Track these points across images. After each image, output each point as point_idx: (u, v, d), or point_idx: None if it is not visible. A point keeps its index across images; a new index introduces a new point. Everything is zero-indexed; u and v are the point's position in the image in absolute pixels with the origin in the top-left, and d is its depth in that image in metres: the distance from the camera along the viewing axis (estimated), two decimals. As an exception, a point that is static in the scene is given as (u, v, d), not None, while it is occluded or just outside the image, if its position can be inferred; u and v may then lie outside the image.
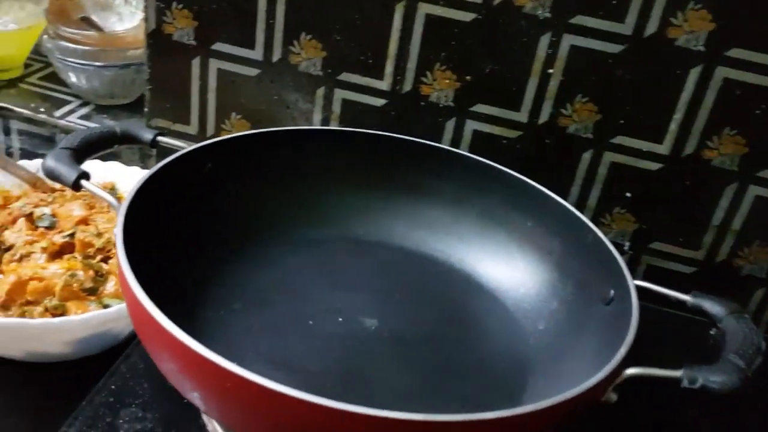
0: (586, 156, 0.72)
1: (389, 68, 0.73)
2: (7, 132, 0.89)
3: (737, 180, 0.69)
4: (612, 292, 0.54)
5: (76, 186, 0.52)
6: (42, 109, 0.88)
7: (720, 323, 0.49)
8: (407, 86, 0.73)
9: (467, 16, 0.69)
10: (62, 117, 0.87)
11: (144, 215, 0.52)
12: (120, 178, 0.77)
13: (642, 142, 0.70)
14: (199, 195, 0.59)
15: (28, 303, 0.64)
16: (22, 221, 0.71)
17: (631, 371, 0.45)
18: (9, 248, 0.69)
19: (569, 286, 0.58)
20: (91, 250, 0.69)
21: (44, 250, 0.68)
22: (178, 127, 0.82)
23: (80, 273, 0.65)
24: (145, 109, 0.82)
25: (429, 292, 0.61)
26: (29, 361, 0.64)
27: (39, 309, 0.63)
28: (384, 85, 0.74)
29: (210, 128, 0.81)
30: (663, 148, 0.70)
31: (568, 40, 0.67)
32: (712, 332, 0.69)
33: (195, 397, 0.42)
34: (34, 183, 0.77)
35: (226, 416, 0.43)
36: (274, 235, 0.62)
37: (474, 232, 0.64)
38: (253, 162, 0.62)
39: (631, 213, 0.73)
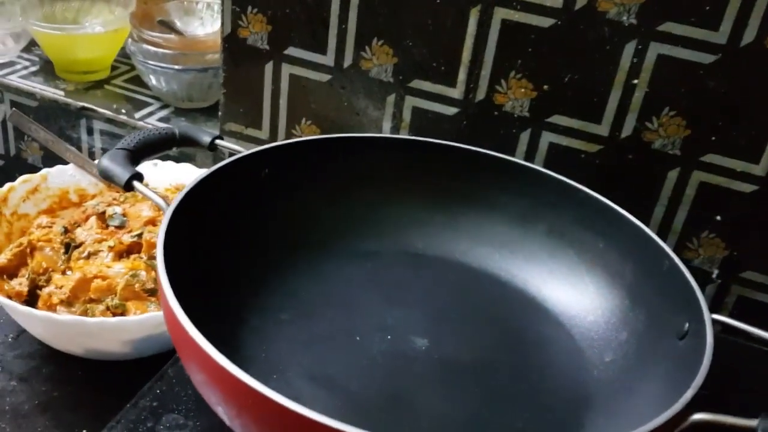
0: (673, 174, 0.66)
1: (462, 75, 0.70)
2: (90, 132, 0.91)
3: None
4: (687, 325, 0.48)
5: (128, 187, 0.51)
6: (123, 111, 0.90)
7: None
8: (480, 95, 0.70)
9: (545, 22, 0.65)
10: (142, 118, 0.89)
11: (194, 218, 0.51)
12: (190, 180, 0.78)
13: (736, 162, 0.64)
14: (253, 200, 0.58)
15: (91, 301, 0.65)
16: (93, 219, 0.72)
17: (698, 416, 0.40)
18: (79, 245, 0.70)
19: (641, 315, 0.53)
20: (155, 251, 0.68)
21: (111, 248, 0.69)
22: (250, 132, 0.81)
23: (143, 273, 0.65)
24: (220, 113, 0.82)
25: (487, 314, 0.58)
26: (90, 358, 0.64)
27: (101, 307, 0.64)
28: (456, 93, 0.71)
29: (281, 133, 0.80)
30: (759, 169, 0.63)
31: (655, 49, 0.62)
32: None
33: (219, 411, 0.40)
34: (110, 183, 0.78)
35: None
36: (328, 245, 0.60)
37: (541, 251, 0.60)
38: (311, 169, 0.61)
39: (721, 238, 0.67)
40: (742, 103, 0.62)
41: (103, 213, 0.73)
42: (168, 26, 0.89)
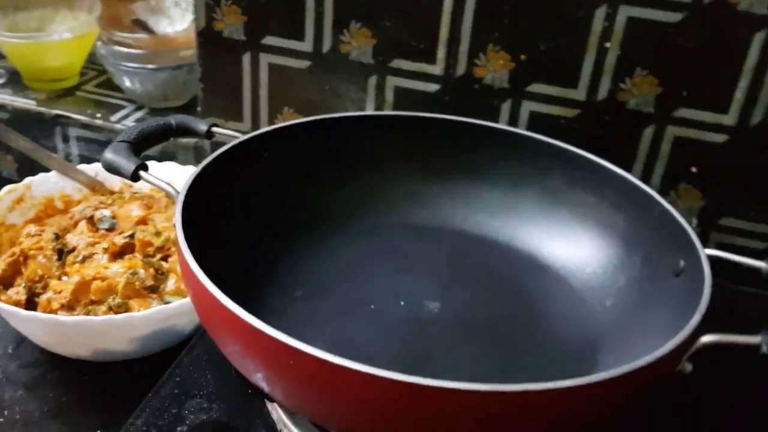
0: (648, 131, 0.70)
1: (441, 52, 0.72)
2: (66, 139, 0.91)
3: (811, 148, 0.66)
4: (682, 262, 0.51)
5: (135, 177, 0.52)
6: (98, 115, 0.90)
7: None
8: (460, 70, 0.72)
9: (518, -7, 0.67)
10: (118, 121, 0.89)
11: (201, 205, 0.52)
12: (176, 177, 0.78)
13: (706, 114, 0.67)
14: (255, 184, 0.59)
15: (92, 302, 0.65)
16: (83, 224, 0.73)
17: (706, 338, 0.42)
18: (72, 250, 0.70)
19: (636, 260, 0.56)
20: (150, 249, 0.69)
21: (105, 250, 0.69)
22: (231, 125, 0.82)
23: (141, 271, 0.66)
24: (199, 109, 0.83)
25: (492, 275, 0.60)
26: (95, 360, 0.65)
27: (103, 308, 0.64)
28: (437, 69, 0.73)
29: (263, 123, 0.81)
30: (729, 119, 0.67)
31: (624, 12, 0.65)
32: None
33: (259, 379, 0.41)
34: (94, 187, 0.79)
35: (290, 396, 0.42)
36: (332, 223, 0.62)
37: (535, 212, 0.63)
38: (308, 150, 0.62)
39: (698, 189, 0.71)
40: (710, 57, 0.65)
41: (92, 217, 0.73)
42: (142, 26, 0.89)
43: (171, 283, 0.67)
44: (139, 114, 0.91)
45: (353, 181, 0.64)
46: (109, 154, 0.53)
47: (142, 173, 0.52)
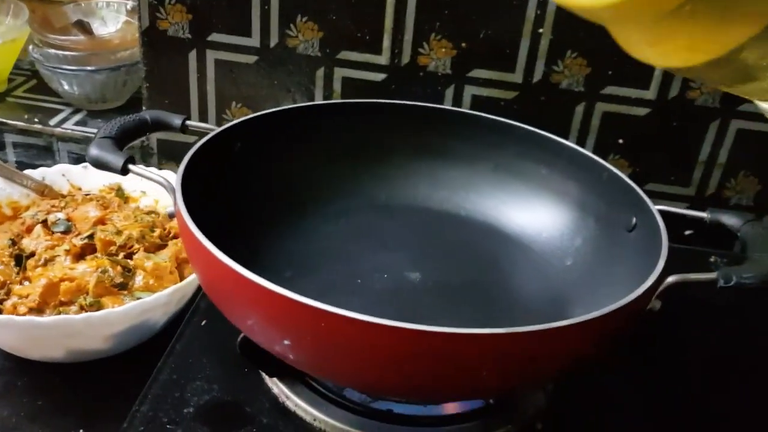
0: (579, 108, 0.76)
1: (386, 42, 0.76)
2: (1, 146, 0.89)
3: (720, 116, 0.75)
4: (634, 219, 0.58)
5: (124, 171, 0.53)
6: (36, 120, 0.88)
7: (738, 231, 0.54)
8: (405, 58, 0.76)
9: (458, -15, 0.72)
10: (57, 125, 0.87)
11: (187, 196, 0.54)
12: (126, 179, 0.79)
13: (630, 90, 0.75)
14: (233, 174, 0.61)
15: (62, 304, 0.65)
16: (39, 228, 0.72)
17: (671, 278, 0.49)
18: (31, 255, 0.69)
19: (590, 222, 0.62)
20: (113, 248, 0.70)
21: (67, 252, 0.69)
22: (179, 122, 0.83)
23: (110, 269, 0.66)
24: (143, 108, 0.83)
25: (459, 246, 0.65)
26: (68, 361, 0.65)
27: (74, 308, 0.64)
28: (382, 59, 0.77)
29: (211, 120, 0.82)
30: (650, 94, 0.75)
31: (554, 0, 0.72)
32: (711, 260, 0.75)
33: (284, 345, 0.44)
34: (42, 191, 0.78)
35: (316, 359, 0.45)
36: (307, 206, 0.65)
37: (492, 187, 0.68)
38: (277, 139, 0.65)
39: (625, 158, 0.78)
40: (632, 38, 0.72)
41: (46, 221, 0.73)
42: (82, 27, 0.88)
43: (139, 280, 0.67)
44: (78, 117, 0.90)
45: (321, 166, 0.67)
46: (94, 151, 0.54)
47: (131, 167, 0.53)
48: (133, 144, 0.57)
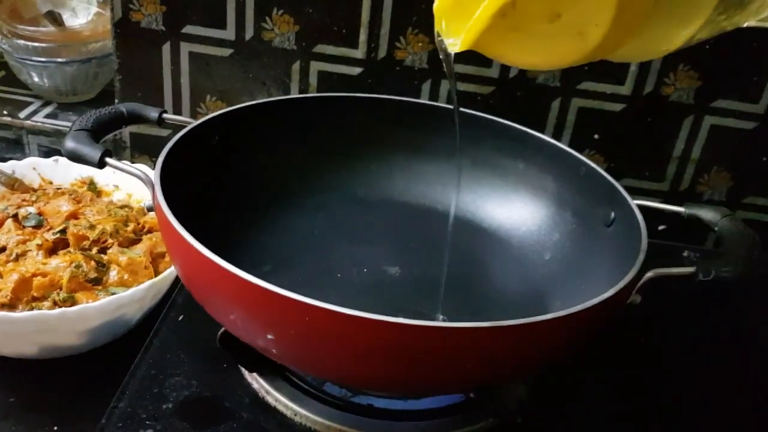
0: (555, 104, 0.77)
1: (363, 36, 0.76)
2: (-31, 140, 0.87)
3: (693, 112, 0.76)
4: (612, 214, 0.58)
5: (101, 164, 0.52)
6: (5, 112, 0.86)
7: (716, 226, 0.55)
8: (382, 53, 0.76)
9: (436, -21, 0.72)
10: (27, 118, 0.85)
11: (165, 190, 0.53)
12: (99, 172, 0.77)
13: (606, 85, 0.76)
14: (210, 168, 0.61)
15: (35, 299, 0.64)
16: (10, 222, 0.71)
17: (651, 273, 0.49)
18: (2, 250, 0.68)
19: (568, 216, 0.63)
20: (86, 243, 0.69)
21: (40, 247, 0.68)
22: (152, 115, 0.82)
23: (84, 264, 0.65)
24: (116, 101, 0.82)
25: (437, 240, 0.64)
26: (41, 357, 0.63)
27: (47, 303, 0.63)
28: (359, 53, 0.76)
29: (185, 113, 0.81)
30: (625, 89, 0.76)
31: (531, -5, 0.72)
32: (684, 254, 0.76)
33: (267, 340, 0.44)
34: (13, 185, 0.76)
35: (299, 354, 0.45)
36: (285, 202, 0.64)
37: (470, 181, 0.68)
38: (255, 133, 0.64)
39: (600, 153, 0.79)
40: (607, 34, 0.73)
41: (17, 215, 0.71)
42: (53, 18, 0.86)
43: (113, 275, 0.66)
44: (48, 110, 0.88)
45: (299, 161, 0.66)
46: (70, 143, 0.53)
47: (108, 160, 0.52)
48: (105, 137, 0.56)
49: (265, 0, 0.75)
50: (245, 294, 0.42)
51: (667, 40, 0.46)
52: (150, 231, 0.71)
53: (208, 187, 0.60)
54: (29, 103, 0.89)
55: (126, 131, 0.83)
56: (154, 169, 0.53)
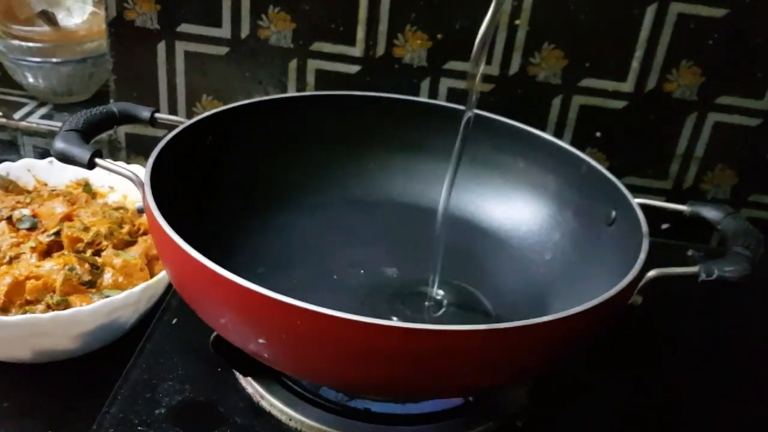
0: (557, 101, 0.76)
1: (361, 33, 0.74)
2: (-37, 141, 0.86)
3: (697, 109, 0.74)
4: (614, 213, 0.57)
5: (91, 165, 0.51)
6: (0, 113, 0.85)
7: (719, 225, 0.54)
8: (380, 50, 0.75)
9: (434, -25, 0.71)
10: (22, 119, 0.85)
11: (157, 191, 0.52)
12: (94, 174, 0.76)
13: (607, 82, 0.74)
14: (203, 168, 0.60)
15: (28, 303, 0.63)
16: (3, 224, 0.70)
17: (652, 273, 0.48)
18: (-5, 253, 0.67)
19: (569, 216, 0.62)
20: (80, 245, 0.68)
21: (33, 249, 0.67)
22: (148, 115, 0.81)
23: (78, 267, 0.64)
24: (111, 101, 0.81)
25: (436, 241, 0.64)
26: (35, 361, 0.63)
27: (41, 307, 0.62)
28: (357, 51, 0.75)
29: (181, 113, 0.80)
30: (627, 86, 0.74)
31: (530, -10, 0.71)
32: (689, 253, 0.75)
33: (259, 344, 0.43)
34: (7, 186, 0.75)
35: (292, 358, 0.44)
36: (281, 202, 0.63)
37: (469, 180, 0.67)
38: (250, 132, 0.63)
39: (602, 151, 0.78)
40: (609, 30, 0.72)
41: (10, 217, 0.71)
42: (48, 18, 0.85)
43: (108, 277, 0.65)
44: (43, 110, 0.87)
45: (295, 160, 0.65)
46: (60, 144, 0.52)
47: (98, 161, 0.51)
48: (100, 138, 0.55)
49: (260, -3, 0.74)
50: (235, 297, 0.41)
51: None
52: (145, 233, 0.70)
53: (201, 188, 0.59)
54: (24, 104, 0.88)
55: (121, 132, 0.82)
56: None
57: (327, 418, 0.52)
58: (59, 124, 0.85)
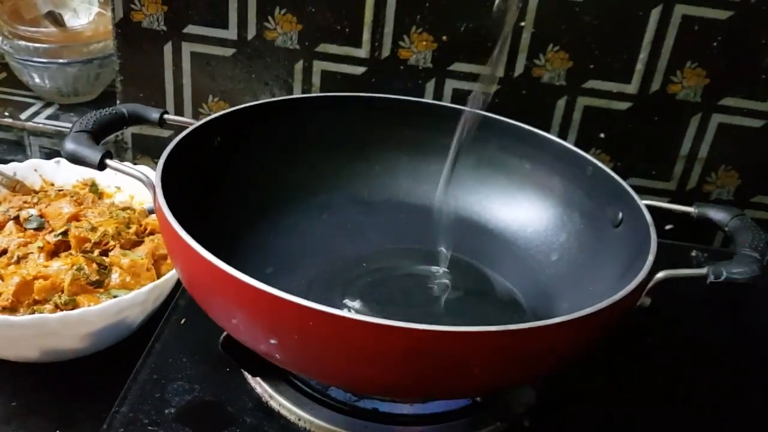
0: (561, 103, 0.76)
1: (366, 35, 0.75)
2: (-30, 141, 0.86)
3: (701, 110, 0.75)
4: (620, 214, 0.58)
5: (101, 166, 0.52)
6: (6, 114, 0.86)
7: (726, 226, 0.54)
8: (386, 52, 0.75)
9: (439, -23, 0.71)
10: (29, 119, 0.85)
11: (168, 192, 0.52)
12: (101, 174, 0.77)
13: (612, 84, 0.75)
14: (212, 169, 0.60)
15: (36, 302, 0.63)
16: (11, 224, 0.70)
17: (661, 274, 0.48)
18: (3, 252, 0.67)
19: (575, 217, 0.62)
20: (88, 245, 0.68)
21: (41, 249, 0.67)
22: (154, 116, 0.81)
23: (86, 267, 0.65)
24: (117, 102, 0.81)
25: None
26: (43, 361, 0.63)
27: (49, 307, 0.63)
28: (362, 52, 0.76)
29: (187, 114, 0.81)
30: (631, 88, 0.75)
31: (536, -8, 0.71)
32: (693, 254, 0.75)
33: (270, 345, 0.43)
34: (14, 187, 0.76)
35: (303, 359, 0.44)
36: (287, 203, 0.64)
37: (474, 181, 0.67)
38: (257, 133, 0.63)
39: (606, 153, 0.78)
40: (614, 32, 0.72)
41: (18, 217, 0.71)
42: (54, 19, 0.85)
43: (115, 277, 0.66)
44: (49, 111, 0.87)
45: (303, 161, 0.66)
46: (70, 145, 0.52)
47: (108, 161, 0.52)
48: (107, 138, 0.56)
49: (267, -1, 0.74)
50: (246, 298, 0.42)
51: None
52: (152, 233, 0.70)
53: (210, 189, 0.59)
54: (30, 105, 0.88)
55: (128, 132, 0.82)
56: (155, 170, 0.52)
57: (335, 417, 0.52)
58: (65, 124, 0.86)
